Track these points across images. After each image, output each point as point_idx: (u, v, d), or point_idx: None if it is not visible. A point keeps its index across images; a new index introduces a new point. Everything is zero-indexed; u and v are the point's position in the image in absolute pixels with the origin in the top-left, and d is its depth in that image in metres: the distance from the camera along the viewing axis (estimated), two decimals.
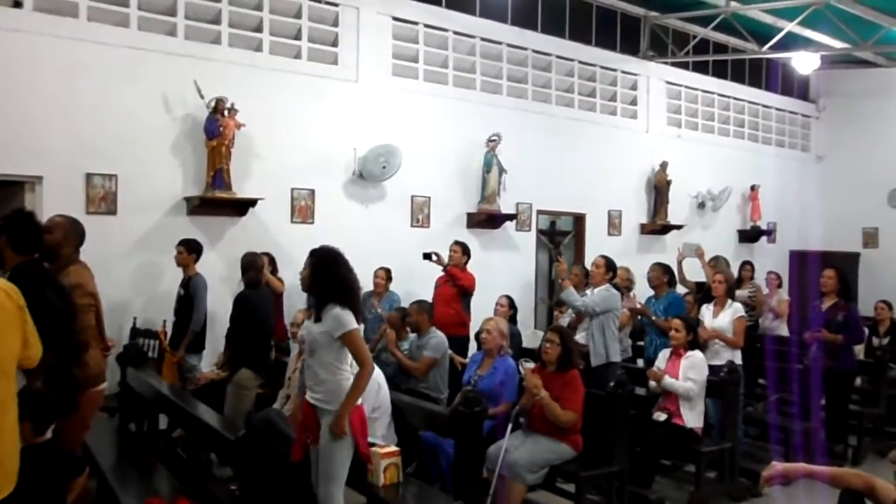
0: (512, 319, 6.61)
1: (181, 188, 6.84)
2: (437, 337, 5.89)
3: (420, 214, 8.40)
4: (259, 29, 7.33)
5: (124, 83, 6.50)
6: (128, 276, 6.45)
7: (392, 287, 7.27)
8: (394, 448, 4.24)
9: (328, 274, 3.77)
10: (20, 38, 6.08)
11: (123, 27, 6.58)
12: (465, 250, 7.33)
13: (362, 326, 3.92)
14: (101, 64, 6.41)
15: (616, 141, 10.14)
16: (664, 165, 10.42)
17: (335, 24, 7.81)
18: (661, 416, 5.33)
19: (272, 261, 6.73)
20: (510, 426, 4.66)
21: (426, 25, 8.43)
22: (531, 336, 7.64)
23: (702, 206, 11.18)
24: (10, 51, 6.03)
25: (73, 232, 4.09)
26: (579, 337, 5.86)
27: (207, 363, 6.39)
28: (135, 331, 6.43)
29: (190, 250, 6.20)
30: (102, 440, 5.09)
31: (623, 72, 10.39)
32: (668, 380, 5.29)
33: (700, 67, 11.28)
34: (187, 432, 5.24)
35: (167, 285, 6.54)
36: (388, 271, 7.15)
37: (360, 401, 3.75)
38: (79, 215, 4.82)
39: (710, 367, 5.54)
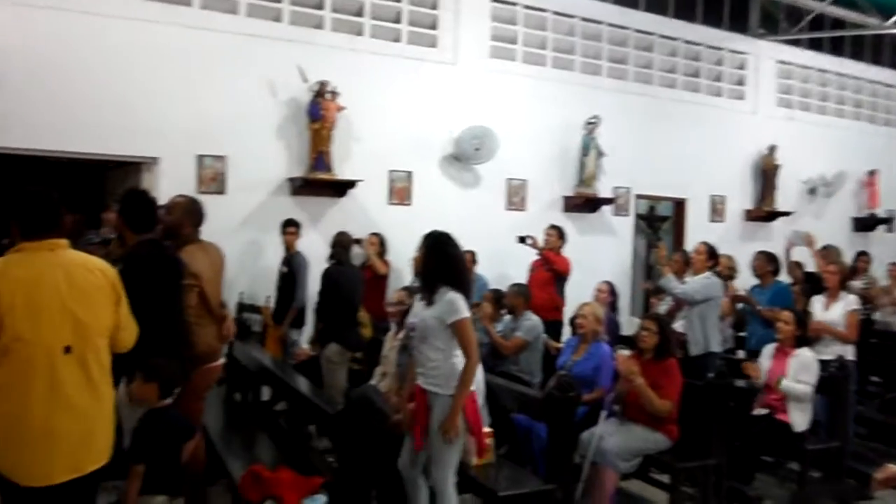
0: (612, 306, 6.51)
1: (285, 169, 7.09)
2: (531, 320, 5.87)
3: (516, 197, 8.38)
4: (360, 13, 7.47)
5: (233, 68, 6.78)
6: (235, 252, 6.68)
7: (485, 270, 7.30)
8: (487, 429, 4.27)
9: (442, 257, 3.74)
10: (139, 26, 6.43)
11: (233, 14, 6.87)
12: (561, 234, 7.26)
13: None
14: (213, 50, 6.70)
15: (721, 123, 9.76)
16: (772, 149, 9.95)
17: (434, 6, 7.86)
18: (762, 412, 5.13)
19: (381, 242, 6.89)
20: (604, 413, 4.61)
21: (525, 7, 8.36)
22: (628, 323, 7.51)
23: (813, 192, 10.62)
24: (130, 39, 6.38)
25: (192, 212, 4.21)
26: (677, 325, 5.72)
27: (309, 338, 6.63)
28: (241, 305, 6.73)
29: (294, 229, 6.44)
30: (210, 408, 5.35)
31: (730, 51, 9.96)
32: (786, 383, 5.04)
33: (814, 44, 10.67)
34: (289, 404, 5.46)
35: (271, 262, 6.81)
36: (473, 254, 7.15)
37: (472, 387, 3.73)
38: (191, 194, 5.09)
39: (819, 362, 5.27)
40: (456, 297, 3.63)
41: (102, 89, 6.25)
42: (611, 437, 4.54)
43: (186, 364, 3.72)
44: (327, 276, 5.96)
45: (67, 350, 2.66)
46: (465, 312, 3.62)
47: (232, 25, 6.82)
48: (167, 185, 6.14)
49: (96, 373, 2.76)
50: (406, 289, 5.48)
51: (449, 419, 3.58)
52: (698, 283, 5.81)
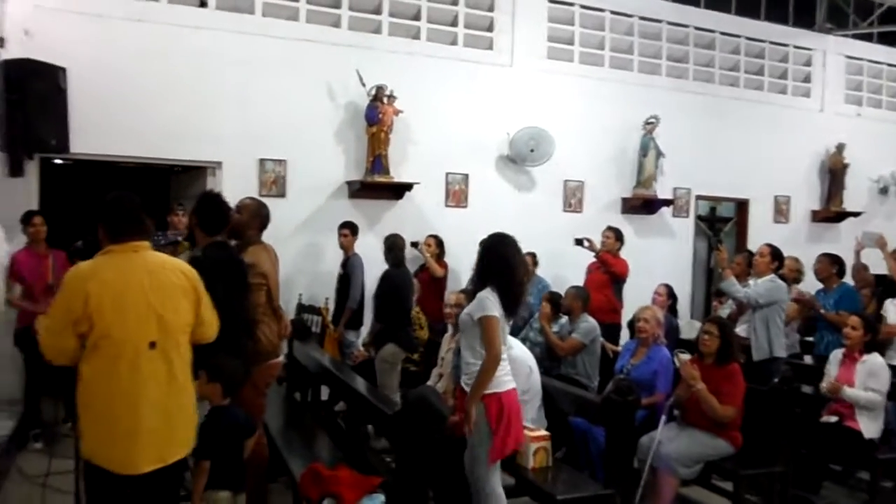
0: (671, 310, 6.39)
1: (343, 172, 7.20)
2: (589, 322, 5.82)
3: (573, 199, 8.32)
4: (417, 17, 7.54)
5: (293, 74, 6.92)
6: (294, 254, 6.87)
7: (542, 272, 7.27)
8: (544, 432, 4.26)
9: (489, 257, 3.76)
10: (204, 34, 6.63)
11: (293, 21, 7.02)
12: (619, 236, 7.16)
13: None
14: (273, 56, 6.86)
15: (785, 121, 9.48)
16: (840, 147, 9.62)
17: (491, 9, 7.87)
18: (831, 419, 4.96)
19: (439, 244, 6.93)
20: (664, 417, 4.54)
21: (582, 6, 8.30)
22: (687, 327, 7.36)
23: (884, 191, 10.22)
24: (195, 47, 6.59)
25: (258, 215, 4.33)
26: (740, 329, 5.58)
27: (363, 339, 6.71)
28: (300, 306, 6.86)
29: (354, 232, 6.54)
30: (271, 407, 5.46)
31: (795, 47, 9.68)
32: (847, 391, 4.87)
33: (885, 38, 10.27)
34: (347, 404, 5.53)
35: (329, 264, 6.92)
36: (533, 256, 7.12)
37: (511, 384, 3.72)
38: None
39: (891, 368, 5.07)
40: (485, 295, 3.64)
41: (169, 97, 6.47)
42: (671, 442, 4.47)
43: (248, 360, 3.83)
44: (386, 278, 6.03)
45: (152, 346, 2.81)
46: (492, 311, 3.60)
47: (292, 32, 6.96)
48: (230, 189, 6.27)
49: (178, 367, 2.90)
50: (463, 291, 5.50)
51: (460, 414, 3.60)
52: (762, 286, 5.66)
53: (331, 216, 6.92)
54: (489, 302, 3.62)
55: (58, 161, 6.76)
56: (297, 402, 6.10)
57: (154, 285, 2.84)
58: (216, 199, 4.05)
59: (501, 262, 3.73)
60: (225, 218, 3.97)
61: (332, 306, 6.68)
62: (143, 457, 2.79)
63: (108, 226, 2.88)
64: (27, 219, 5.69)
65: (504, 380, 3.69)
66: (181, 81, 6.52)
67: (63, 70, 5.98)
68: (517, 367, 4.13)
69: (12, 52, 5.86)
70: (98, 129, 6.21)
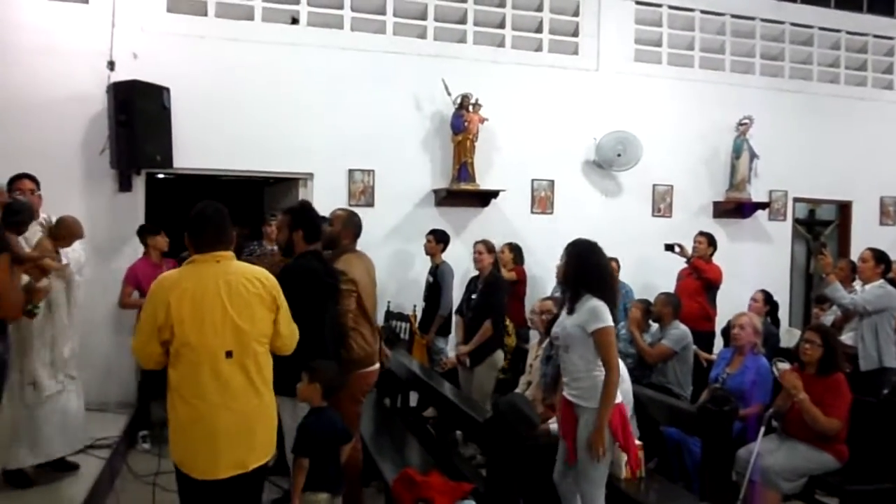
0: (768, 317, 6.16)
1: (430, 181, 7.29)
2: (680, 329, 5.67)
3: (662, 204, 8.14)
4: (502, 25, 7.57)
5: (381, 85, 7.07)
6: (383, 263, 6.94)
7: (630, 278, 7.14)
8: (636, 442, 4.17)
9: (585, 264, 3.68)
10: (295, 50, 6.87)
11: (381, 34, 7.17)
12: (711, 241, 6.95)
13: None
14: (361, 69, 7.03)
15: (891, 118, 8.97)
16: None
17: (576, 13, 7.82)
18: None
19: (516, 249, 6.91)
20: (762, 429, 4.37)
21: (671, 7, 8.13)
22: (786, 335, 7.07)
23: None
24: (287, 63, 6.83)
25: (351, 224, 4.46)
26: (846, 338, 5.33)
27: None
28: (389, 314, 6.97)
29: (438, 240, 6.59)
30: (363, 413, 5.59)
31: None
32: None
33: None
34: (437, 411, 5.59)
35: (417, 272, 7.02)
36: (616, 262, 6.97)
37: (618, 398, 3.65)
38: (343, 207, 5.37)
39: None
40: (598, 305, 3.55)
41: (264, 112, 6.72)
42: (771, 455, 4.30)
43: (343, 368, 3.91)
44: (495, 283, 5.97)
45: (229, 355, 2.87)
46: (608, 321, 3.53)
47: (380, 45, 7.12)
48: (321, 199, 6.49)
49: (255, 376, 2.94)
50: (552, 298, 5.47)
51: (595, 434, 3.49)
52: (871, 292, 5.38)
53: (418, 224, 7.02)
54: (604, 311, 3.54)
55: (160, 176, 7.13)
56: (387, 408, 6.20)
57: (232, 295, 2.90)
58: (311, 210, 4.17)
59: (598, 270, 3.67)
60: (319, 227, 4.09)
61: (419, 313, 6.77)
62: (221, 462, 2.86)
63: (193, 237, 2.98)
64: (154, 231, 6.06)
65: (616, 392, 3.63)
66: (275, 97, 6.77)
67: (167, 90, 6.31)
68: None
69: (121, 74, 6.23)
70: (198, 145, 6.52)
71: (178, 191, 8.35)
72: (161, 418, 5.94)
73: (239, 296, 2.91)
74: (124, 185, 6.43)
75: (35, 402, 4.27)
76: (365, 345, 4.28)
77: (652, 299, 5.99)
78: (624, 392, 4.51)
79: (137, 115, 6.02)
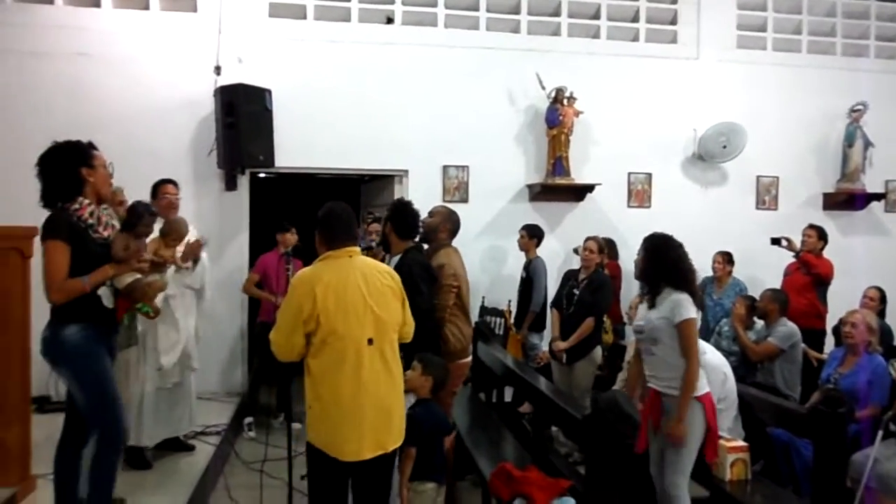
0: (881, 314, 5.81)
1: (524, 176, 7.27)
2: (787, 327, 5.44)
3: (766, 196, 7.80)
4: (597, 16, 7.45)
5: (474, 81, 7.10)
6: (477, 258, 7.03)
7: (734, 273, 6.87)
8: (741, 443, 4.04)
9: (661, 259, 3.72)
10: (391, 49, 7.00)
11: (474, 30, 7.20)
12: (822, 235, 6.61)
13: (699, 314, 3.76)
14: (455, 65, 7.08)
15: None
16: None
17: (674, 1, 7.59)
18: None
19: (611, 245, 6.80)
20: (880, 433, 4.12)
21: None
22: None
23: None
24: (383, 62, 6.96)
25: (449, 220, 4.60)
26: None
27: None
28: (483, 309, 7.00)
29: (531, 235, 6.55)
30: (457, 406, 5.64)
31: None
32: None
33: None
34: (533, 406, 5.57)
35: (511, 267, 7.01)
36: (726, 255, 6.74)
37: (705, 388, 3.64)
38: (437, 203, 5.45)
39: None
40: (681, 297, 3.61)
41: (361, 111, 6.88)
42: (890, 460, 4.05)
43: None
44: (600, 278, 5.90)
45: (370, 342, 3.04)
46: (691, 313, 3.59)
47: (473, 41, 7.15)
48: (416, 195, 6.50)
49: (391, 362, 3.13)
50: (642, 295, 5.35)
51: (675, 422, 3.56)
52: None
53: (512, 219, 7.00)
54: (687, 303, 3.60)
55: (262, 175, 7.41)
56: (482, 403, 6.23)
57: (370, 286, 3.08)
58: (408, 206, 4.29)
59: (675, 263, 3.70)
60: (416, 224, 4.18)
61: (514, 308, 6.76)
62: (366, 444, 3.02)
63: (326, 234, 3.15)
64: (283, 228, 6.35)
65: (704, 381, 3.67)
66: (371, 95, 6.91)
67: (269, 92, 6.55)
68: (711, 373, 3.97)
69: (226, 78, 6.52)
70: (297, 144, 6.74)
71: (278, 189, 8.67)
72: (269, 404, 6.25)
73: (375, 287, 3.10)
74: (230, 185, 6.73)
75: (159, 386, 4.63)
76: (461, 336, 4.39)
77: (756, 295, 5.77)
78: (728, 390, 4.40)
79: (242, 117, 6.30)
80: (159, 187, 4.93)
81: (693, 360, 3.56)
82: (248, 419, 6.24)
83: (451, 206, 6.59)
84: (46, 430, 4.32)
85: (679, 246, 3.77)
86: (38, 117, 6.14)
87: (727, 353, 5.46)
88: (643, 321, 3.80)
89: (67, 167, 3.26)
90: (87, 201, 3.30)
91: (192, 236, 4.74)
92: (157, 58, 6.58)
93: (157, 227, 4.42)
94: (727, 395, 4.38)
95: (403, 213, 4.19)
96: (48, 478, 4.07)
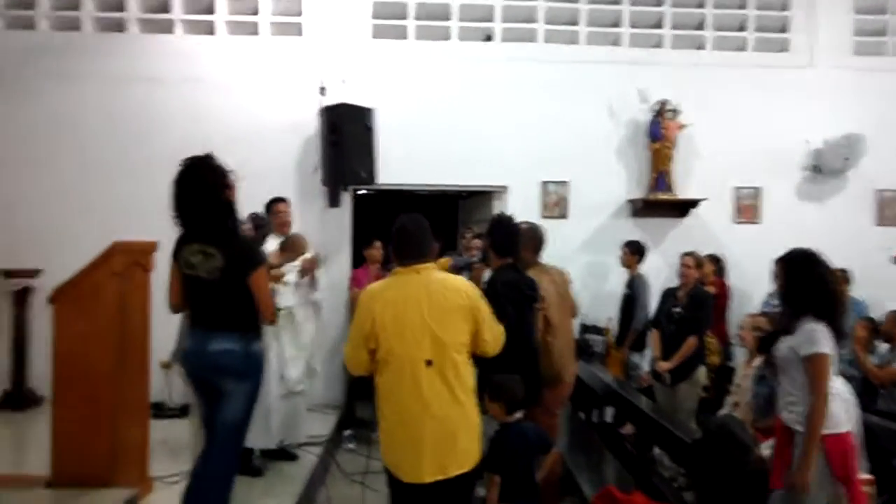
0: None
1: (625, 191, 7.12)
2: None
3: (888, 211, 7.33)
4: (701, 26, 7.25)
5: (574, 96, 7.03)
6: (577, 274, 6.83)
7: (851, 293, 6.46)
8: (866, 475, 3.76)
9: (802, 279, 3.36)
10: (490, 66, 7.04)
11: (574, 44, 7.14)
12: None
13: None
14: (555, 80, 7.03)
15: None
16: None
17: (785, 7, 7.31)
18: None
19: (718, 262, 6.55)
20: None
21: None
22: None
23: None
24: (482, 78, 7.01)
25: (532, 237, 4.41)
26: None
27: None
28: (583, 326, 6.87)
29: (633, 251, 6.41)
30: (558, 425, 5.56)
31: None
32: None
33: None
34: (636, 427, 5.41)
35: (612, 284, 6.86)
36: (844, 273, 6.34)
37: (843, 427, 3.29)
38: (536, 219, 5.48)
39: None
40: (816, 329, 3.23)
41: (460, 127, 6.94)
42: None
43: (536, 384, 3.90)
44: (702, 297, 5.69)
45: (429, 363, 2.95)
46: (823, 347, 3.20)
47: (573, 55, 7.09)
48: (515, 212, 6.45)
49: (455, 384, 2.99)
50: (764, 314, 5.11)
51: (798, 467, 3.18)
52: None
53: (613, 236, 6.86)
54: (821, 336, 3.22)
55: (362, 191, 7.58)
56: (582, 422, 6.10)
57: (431, 305, 2.97)
58: (507, 222, 4.19)
59: (821, 285, 3.33)
60: (516, 241, 4.10)
61: (615, 326, 6.61)
62: (426, 467, 2.93)
63: (395, 249, 3.13)
64: (368, 242, 6.51)
65: (843, 418, 3.28)
66: (470, 112, 6.96)
67: (371, 110, 6.72)
68: (845, 405, 3.68)
69: (331, 98, 6.72)
70: (398, 161, 6.86)
71: (379, 205, 8.83)
72: (365, 418, 6.35)
73: (438, 306, 2.98)
74: (333, 202, 6.92)
75: (282, 393, 4.87)
76: (553, 360, 4.23)
77: (877, 317, 5.41)
78: (851, 419, 4.11)
79: (345, 135, 6.48)
80: (273, 205, 5.18)
81: (819, 397, 3.18)
82: (348, 431, 6.35)
83: (549, 221, 6.65)
84: (162, 435, 4.58)
85: (823, 264, 3.39)
86: (159, 139, 6.53)
87: (848, 378, 5.12)
88: (777, 346, 3.47)
89: (226, 179, 3.41)
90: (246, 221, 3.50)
91: (309, 253, 4.97)
92: (265, 80, 6.88)
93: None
94: (851, 423, 4.10)
95: (501, 228, 4.09)
96: (165, 480, 4.29)
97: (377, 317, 2.96)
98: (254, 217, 4.01)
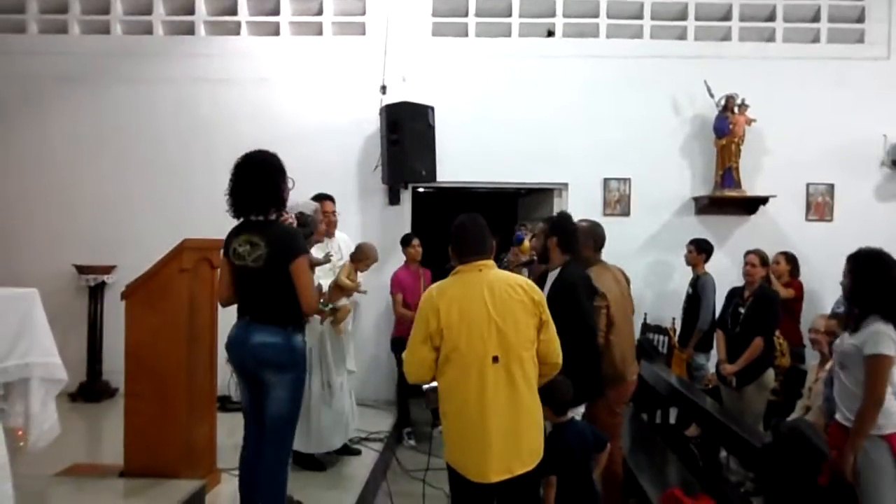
0: None
1: (689, 188, 6.96)
2: None
3: None
4: (772, 18, 7.02)
5: (636, 91, 6.90)
6: (640, 273, 6.76)
7: None
8: None
9: (872, 280, 3.28)
10: (552, 62, 6.97)
11: (637, 38, 7.00)
12: None
13: None
14: (617, 75, 6.92)
15: None
16: None
17: None
18: None
19: (791, 260, 6.32)
20: None
21: None
22: None
23: None
24: (543, 75, 6.95)
25: (592, 235, 4.36)
26: None
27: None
28: (646, 326, 6.75)
29: (700, 250, 6.25)
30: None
31: None
32: None
33: None
34: (701, 429, 5.29)
35: (676, 283, 6.71)
36: None
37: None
38: (597, 217, 5.36)
39: None
40: (884, 330, 3.17)
41: (520, 124, 6.90)
42: None
43: (599, 380, 3.88)
44: (768, 296, 5.51)
45: (495, 360, 2.92)
46: (888, 349, 3.14)
47: (636, 49, 6.96)
48: (575, 209, 6.36)
49: (521, 382, 2.96)
50: (834, 315, 4.92)
51: (841, 461, 3.19)
52: None
53: (676, 234, 6.72)
54: (887, 338, 3.16)
55: (421, 189, 7.60)
56: (645, 423, 5.99)
57: (496, 302, 2.96)
58: (569, 219, 4.17)
59: (890, 286, 3.24)
60: (576, 238, 4.06)
61: (678, 326, 6.46)
62: (492, 467, 2.90)
63: (456, 247, 3.13)
64: (407, 241, 6.49)
65: None
66: (531, 108, 6.90)
67: (431, 108, 6.73)
68: None
69: (391, 97, 6.77)
70: (458, 159, 6.87)
71: (438, 203, 8.85)
72: (419, 418, 6.36)
73: (503, 302, 2.97)
74: (393, 199, 6.97)
75: (327, 401, 4.84)
76: (615, 360, 4.17)
77: None
78: None
79: (406, 133, 6.51)
80: (321, 202, 4.97)
81: (872, 398, 3.15)
82: (408, 429, 6.37)
83: (611, 219, 6.54)
84: (228, 427, 4.68)
85: (893, 264, 3.31)
86: (226, 139, 6.68)
87: None
88: (838, 340, 3.47)
89: (281, 176, 3.48)
90: (292, 214, 3.56)
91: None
92: (328, 79, 6.97)
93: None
94: None
95: (566, 225, 4.08)
96: (231, 472, 4.39)
97: (443, 314, 2.94)
98: (298, 216, 4.04)
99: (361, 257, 4.84)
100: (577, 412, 3.75)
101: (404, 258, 6.51)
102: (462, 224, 3.14)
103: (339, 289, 4.65)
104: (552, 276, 4.04)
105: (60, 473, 4.04)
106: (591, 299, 3.91)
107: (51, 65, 7.02)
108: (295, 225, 3.62)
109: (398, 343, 6.19)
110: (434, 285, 3.16)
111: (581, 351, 3.63)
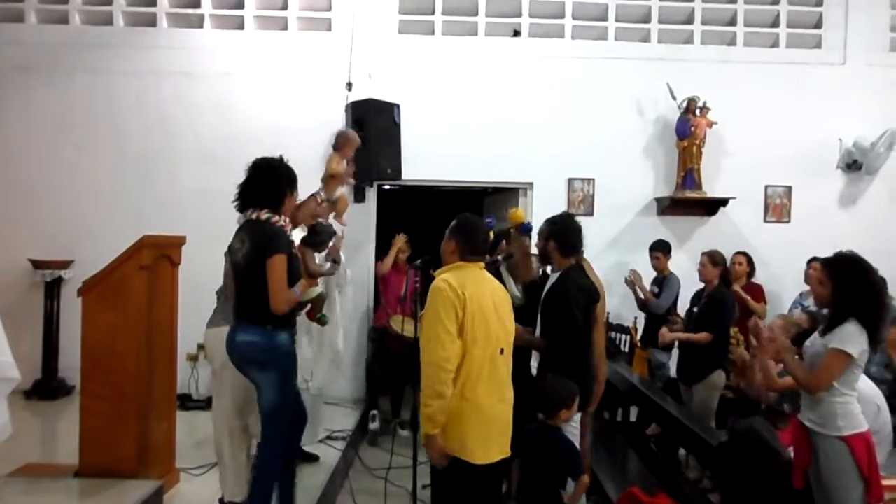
0: None
1: (652, 189, 7.05)
2: None
3: None
4: (733, 22, 7.15)
5: (601, 92, 6.97)
6: (602, 273, 6.74)
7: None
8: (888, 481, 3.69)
9: (853, 286, 3.21)
10: (517, 62, 7.01)
11: (602, 40, 7.07)
12: None
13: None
14: (582, 77, 6.99)
15: None
16: None
17: (818, 3, 7.17)
18: None
19: (749, 261, 6.43)
20: None
21: None
22: None
23: None
24: (509, 75, 6.98)
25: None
26: None
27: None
28: (609, 325, 6.80)
29: (666, 252, 6.34)
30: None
31: None
32: None
33: None
34: (661, 428, 5.37)
35: None
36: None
37: (859, 427, 3.22)
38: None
39: None
40: (854, 331, 3.17)
41: (485, 123, 6.92)
42: None
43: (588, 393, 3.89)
44: (721, 298, 5.59)
45: (502, 352, 3.17)
46: (850, 349, 3.14)
47: (601, 51, 7.03)
48: (540, 208, 6.51)
49: (509, 371, 3.25)
50: (808, 312, 5.02)
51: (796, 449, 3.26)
52: None
53: (639, 234, 6.81)
54: (856, 340, 3.16)
55: (387, 186, 7.57)
56: (606, 421, 6.06)
57: (497, 299, 3.20)
58: (571, 220, 4.06)
59: (869, 291, 3.22)
60: (578, 240, 3.97)
61: (640, 325, 6.54)
62: (493, 448, 3.13)
63: (465, 244, 3.19)
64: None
65: (861, 419, 3.24)
66: (496, 108, 6.94)
67: (397, 106, 6.72)
68: (864, 405, 3.63)
69: (357, 94, 6.73)
70: (424, 157, 6.86)
71: (404, 200, 8.83)
72: (388, 414, 6.35)
73: (501, 300, 3.24)
74: (358, 197, 6.93)
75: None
76: (598, 358, 4.15)
77: None
78: (882, 423, 4.05)
79: (371, 131, 6.48)
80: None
81: (812, 382, 3.17)
82: (373, 411, 6.35)
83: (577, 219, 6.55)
84: (188, 426, 4.62)
85: (874, 272, 3.26)
86: (188, 133, 6.60)
87: (878, 382, 5.03)
88: (809, 341, 3.44)
89: (285, 183, 3.53)
90: (286, 218, 3.54)
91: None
92: (293, 75, 6.91)
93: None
94: (881, 429, 4.02)
95: (565, 228, 3.97)
96: (191, 472, 4.34)
97: (467, 305, 3.03)
98: (316, 224, 4.06)
99: (344, 143, 4.85)
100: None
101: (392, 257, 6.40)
102: (473, 223, 3.29)
103: (333, 178, 4.60)
104: (552, 279, 4.02)
105: (12, 474, 3.95)
106: (591, 309, 3.82)
107: (7, 54, 6.84)
108: (289, 228, 3.59)
109: (378, 333, 6.41)
110: (443, 279, 3.12)
111: (567, 362, 3.66)
